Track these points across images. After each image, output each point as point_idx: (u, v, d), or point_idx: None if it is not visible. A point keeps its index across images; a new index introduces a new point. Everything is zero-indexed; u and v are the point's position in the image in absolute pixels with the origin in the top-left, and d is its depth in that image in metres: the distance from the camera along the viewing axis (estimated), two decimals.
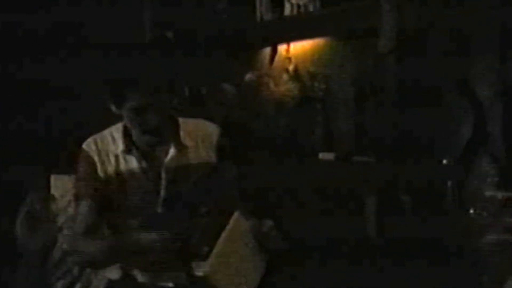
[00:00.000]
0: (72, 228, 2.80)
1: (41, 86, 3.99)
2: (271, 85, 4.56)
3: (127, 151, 2.73)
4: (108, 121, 2.81)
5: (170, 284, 2.57)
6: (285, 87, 4.44)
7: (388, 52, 3.62)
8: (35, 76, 3.95)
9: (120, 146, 2.74)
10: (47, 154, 3.84)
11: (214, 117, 3.42)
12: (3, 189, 3.69)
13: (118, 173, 2.73)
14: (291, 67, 4.43)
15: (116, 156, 2.74)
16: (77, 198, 2.77)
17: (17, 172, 3.71)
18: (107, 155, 2.75)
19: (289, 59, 4.46)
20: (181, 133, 2.77)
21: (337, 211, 3.82)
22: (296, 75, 4.41)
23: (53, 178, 3.16)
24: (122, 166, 2.73)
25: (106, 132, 2.81)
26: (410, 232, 3.35)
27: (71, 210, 2.97)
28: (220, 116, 4.30)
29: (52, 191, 3.12)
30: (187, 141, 2.77)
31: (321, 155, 4.10)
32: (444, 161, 3.47)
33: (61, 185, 3.14)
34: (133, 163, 2.72)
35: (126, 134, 2.75)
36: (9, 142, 3.85)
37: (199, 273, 2.36)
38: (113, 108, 2.65)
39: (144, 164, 2.72)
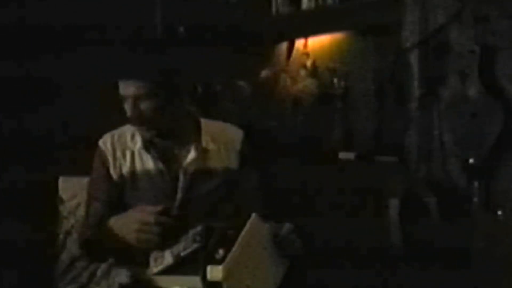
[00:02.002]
0: (81, 232, 2.75)
1: (50, 84, 3.89)
2: (288, 82, 4.50)
3: (145, 148, 2.64)
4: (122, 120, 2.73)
5: None
6: (302, 84, 4.40)
7: (411, 47, 3.52)
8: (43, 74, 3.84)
9: (138, 143, 2.66)
10: (56, 155, 3.73)
11: (228, 116, 3.34)
12: (11, 192, 3.63)
13: (132, 172, 2.66)
14: (309, 63, 4.38)
15: (133, 154, 2.67)
16: (89, 200, 2.72)
17: (25, 174, 3.64)
18: (123, 153, 2.68)
19: (307, 54, 4.41)
20: (204, 136, 2.69)
21: (358, 213, 3.71)
22: (314, 71, 4.37)
23: (61, 180, 3.05)
24: (138, 165, 2.67)
25: (126, 127, 2.73)
26: (434, 235, 3.27)
27: (80, 213, 2.90)
28: (234, 115, 4.20)
29: (61, 193, 3.01)
30: (209, 145, 2.69)
31: (341, 155, 4.03)
32: (471, 161, 3.36)
33: (70, 187, 3.04)
34: (149, 163, 2.65)
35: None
36: (16, 142, 3.74)
37: (214, 278, 2.25)
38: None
39: (160, 165, 2.64)
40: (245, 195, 2.67)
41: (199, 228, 2.41)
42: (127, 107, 2.54)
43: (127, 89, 2.50)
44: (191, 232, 2.41)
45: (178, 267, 2.38)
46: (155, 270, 2.40)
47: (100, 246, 2.61)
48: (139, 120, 2.54)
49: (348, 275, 3.43)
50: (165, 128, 2.60)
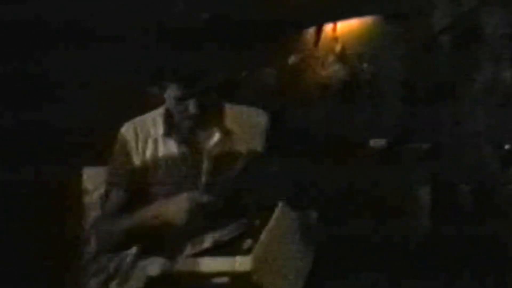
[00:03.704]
0: (104, 220, 2.69)
1: (73, 74, 3.88)
2: (317, 67, 4.42)
3: (167, 134, 2.60)
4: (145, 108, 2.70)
5: (217, 280, 2.41)
6: (331, 70, 4.33)
7: (442, 31, 3.46)
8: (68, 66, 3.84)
9: (161, 129, 2.61)
10: (80, 145, 3.72)
11: (254, 104, 3.30)
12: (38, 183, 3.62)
13: (155, 159, 2.60)
14: (337, 48, 4.33)
15: (155, 141, 2.62)
16: (109, 187, 2.66)
17: (51, 165, 3.61)
18: (146, 140, 2.63)
19: (336, 39, 4.35)
20: (227, 119, 2.64)
21: (388, 202, 3.68)
22: (343, 57, 4.31)
23: (85, 170, 3.01)
24: (161, 150, 2.61)
25: (148, 115, 2.69)
26: (467, 224, 3.25)
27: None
28: (261, 102, 4.15)
29: (85, 184, 2.97)
30: (232, 127, 2.63)
31: (372, 142, 4.00)
32: (506, 147, 3.31)
33: (94, 178, 2.99)
34: (173, 148, 2.60)
35: (168, 116, 2.63)
36: (40, 133, 3.73)
37: (242, 268, 2.21)
38: (156, 91, 2.56)
39: (184, 149, 2.59)
40: (269, 181, 2.59)
41: (240, 216, 2.39)
42: (179, 106, 2.51)
43: (172, 91, 2.48)
44: (232, 220, 2.39)
45: (215, 252, 2.35)
46: (192, 252, 2.36)
47: (125, 236, 2.57)
48: (187, 117, 2.52)
49: (375, 262, 3.41)
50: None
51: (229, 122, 2.64)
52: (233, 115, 2.66)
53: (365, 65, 4.18)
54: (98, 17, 3.95)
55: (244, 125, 2.66)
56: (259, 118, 2.73)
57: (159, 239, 2.49)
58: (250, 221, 2.38)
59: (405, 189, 3.62)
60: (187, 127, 2.58)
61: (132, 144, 2.63)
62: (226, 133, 2.61)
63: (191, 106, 2.48)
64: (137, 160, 2.61)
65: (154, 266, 2.53)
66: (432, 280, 3.20)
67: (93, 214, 2.91)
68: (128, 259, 2.83)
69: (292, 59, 4.46)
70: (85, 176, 3.02)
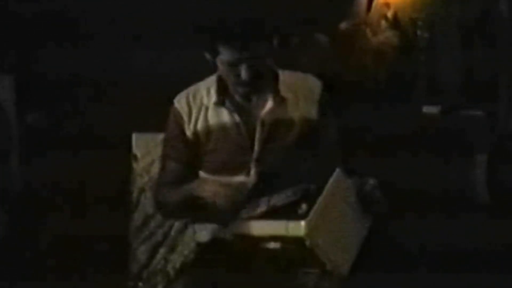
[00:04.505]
0: (157, 191, 2.66)
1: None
2: (369, 34, 4.36)
3: (220, 103, 2.54)
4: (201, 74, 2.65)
5: (270, 245, 2.37)
6: (383, 36, 4.27)
7: None
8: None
9: (213, 97, 2.55)
10: (130, 109, 3.71)
11: (307, 70, 3.24)
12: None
13: (208, 127, 2.55)
14: (390, 14, 4.26)
15: (207, 109, 2.57)
16: (164, 159, 2.63)
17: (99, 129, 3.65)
18: (199, 110, 2.58)
19: (388, 4, 4.28)
20: (281, 86, 2.55)
21: (442, 169, 3.62)
22: (395, 23, 4.25)
23: (134, 136, 2.98)
24: (213, 120, 2.56)
25: (201, 83, 2.63)
26: None
27: (154, 170, 2.82)
28: (313, 68, 4.10)
29: (134, 150, 2.94)
30: (286, 94, 2.55)
31: (425, 109, 3.94)
32: None
33: (144, 144, 2.95)
34: (225, 116, 2.54)
35: (221, 84, 2.57)
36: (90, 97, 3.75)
37: (296, 233, 2.17)
38: (208, 57, 2.50)
39: (237, 117, 2.52)
40: (325, 148, 2.54)
41: (297, 182, 2.33)
42: (232, 72, 2.44)
43: (238, 53, 2.40)
44: (288, 185, 2.33)
45: (269, 215, 2.30)
46: (246, 215, 2.32)
47: (177, 205, 2.54)
48: (241, 82, 2.45)
49: (431, 229, 3.36)
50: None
51: (282, 89, 2.56)
52: (286, 81, 2.59)
53: (418, 30, 4.12)
54: None
55: (298, 91, 2.58)
56: (313, 84, 2.63)
57: (213, 209, 2.43)
58: (306, 187, 2.33)
59: (461, 155, 3.53)
60: (240, 94, 2.53)
61: (185, 115, 2.58)
62: (280, 100, 2.55)
63: (244, 72, 2.43)
64: (189, 131, 2.57)
65: (203, 232, 2.51)
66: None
67: (141, 180, 2.89)
68: (177, 226, 2.82)
69: (344, 25, 4.40)
70: (134, 142, 2.99)
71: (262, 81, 2.51)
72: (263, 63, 2.47)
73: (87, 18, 3.84)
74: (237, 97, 2.54)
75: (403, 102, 4.06)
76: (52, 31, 3.79)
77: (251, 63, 2.42)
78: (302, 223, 2.16)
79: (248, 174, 2.49)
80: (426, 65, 4.06)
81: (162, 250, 2.92)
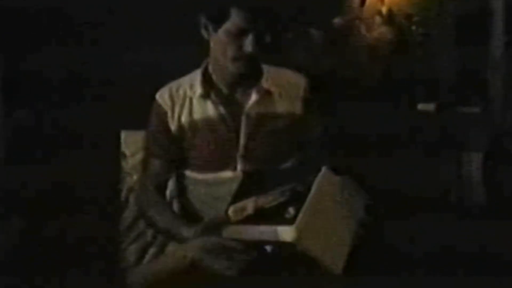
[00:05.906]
0: (143, 187, 2.65)
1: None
2: (363, 29, 4.35)
3: (205, 95, 2.54)
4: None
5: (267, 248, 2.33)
6: (378, 32, 4.27)
7: None
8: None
9: (198, 90, 2.56)
10: (118, 107, 3.68)
11: (300, 65, 3.23)
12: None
13: (192, 121, 2.55)
14: (384, 9, 4.25)
15: (191, 103, 2.57)
16: (147, 158, 2.64)
17: (87, 127, 3.62)
18: (183, 103, 2.58)
19: (382, 0, 4.27)
20: (266, 80, 2.57)
21: (437, 167, 3.62)
22: (390, 18, 4.24)
23: (123, 134, 2.94)
24: (198, 113, 2.56)
25: (184, 78, 2.64)
26: None
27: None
28: (306, 63, 4.08)
29: (123, 148, 2.91)
30: (271, 87, 2.57)
31: (420, 106, 3.94)
32: None
33: (133, 142, 2.92)
34: (210, 109, 2.55)
35: (206, 77, 2.58)
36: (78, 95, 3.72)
37: (285, 239, 2.15)
38: (205, 33, 2.49)
39: (222, 110, 2.53)
40: (311, 146, 2.57)
41: (287, 184, 2.30)
42: (234, 44, 2.42)
43: (245, 21, 2.39)
44: (275, 185, 2.31)
45: (258, 219, 2.27)
46: (235, 218, 2.29)
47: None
48: (241, 56, 2.43)
49: (425, 229, 3.32)
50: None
51: (267, 83, 2.57)
52: (271, 75, 2.60)
53: (413, 26, 4.12)
54: None
55: (282, 86, 2.60)
56: (297, 81, 2.66)
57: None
58: (293, 187, 2.29)
59: (457, 153, 3.51)
60: (236, 69, 2.49)
61: (168, 110, 2.58)
62: (265, 93, 2.56)
63: (248, 42, 2.40)
64: (173, 126, 2.57)
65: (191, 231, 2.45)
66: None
67: (130, 179, 2.84)
68: None
69: (338, 21, 4.39)
70: (123, 140, 2.95)
71: (253, 67, 2.50)
72: (264, 42, 2.44)
73: (74, 16, 3.81)
74: (223, 88, 2.55)
75: (398, 99, 4.05)
76: (39, 29, 3.77)
77: (258, 34, 2.39)
78: (291, 228, 2.13)
79: (235, 169, 2.49)
80: (421, 61, 4.07)
81: (151, 251, 2.90)
